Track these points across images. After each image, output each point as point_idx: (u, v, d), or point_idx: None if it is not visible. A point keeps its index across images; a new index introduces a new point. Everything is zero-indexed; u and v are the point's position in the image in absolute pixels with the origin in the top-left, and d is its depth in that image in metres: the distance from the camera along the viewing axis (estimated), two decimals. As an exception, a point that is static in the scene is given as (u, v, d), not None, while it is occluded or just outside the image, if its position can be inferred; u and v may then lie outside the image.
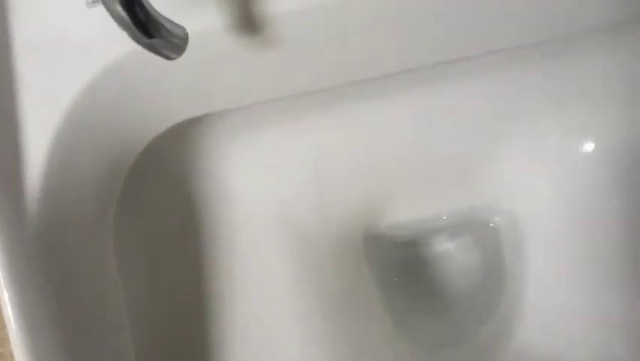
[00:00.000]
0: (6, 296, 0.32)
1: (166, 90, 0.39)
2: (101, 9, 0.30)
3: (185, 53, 0.31)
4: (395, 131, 0.50)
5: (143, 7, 0.28)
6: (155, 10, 0.29)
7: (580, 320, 0.50)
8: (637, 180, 0.49)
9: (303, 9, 0.35)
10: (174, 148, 0.44)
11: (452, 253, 0.56)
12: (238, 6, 0.35)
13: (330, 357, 0.47)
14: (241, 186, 0.49)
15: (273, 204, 0.50)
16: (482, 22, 0.39)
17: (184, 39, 0.31)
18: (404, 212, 0.54)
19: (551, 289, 0.52)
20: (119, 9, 0.27)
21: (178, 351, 0.45)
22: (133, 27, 0.28)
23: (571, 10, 0.40)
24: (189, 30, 0.31)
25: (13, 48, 0.36)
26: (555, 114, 0.49)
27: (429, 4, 0.37)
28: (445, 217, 0.54)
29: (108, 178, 0.39)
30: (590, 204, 0.50)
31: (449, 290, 0.56)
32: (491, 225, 0.54)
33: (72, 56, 0.35)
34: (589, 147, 0.50)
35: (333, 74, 0.40)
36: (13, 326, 0.32)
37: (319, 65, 0.39)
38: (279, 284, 0.49)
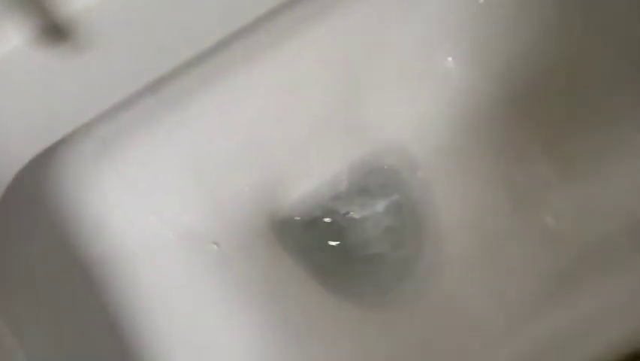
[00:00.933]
0: None
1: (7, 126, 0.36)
2: None
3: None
4: (263, 104, 0.49)
5: None
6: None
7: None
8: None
9: None
10: (41, 181, 0.42)
11: (362, 213, 0.55)
12: (34, 16, 0.33)
13: (269, 338, 0.46)
14: (122, 211, 0.47)
15: (164, 222, 0.48)
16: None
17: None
18: (302, 185, 0.53)
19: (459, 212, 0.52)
20: None
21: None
22: None
23: None
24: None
25: None
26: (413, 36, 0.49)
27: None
28: (343, 178, 0.53)
29: None
30: (474, 110, 0.50)
31: (369, 251, 0.55)
32: (386, 167, 0.53)
33: None
34: (448, 62, 0.50)
35: (168, 55, 0.39)
36: None
37: (148, 51, 0.38)
38: (198, 295, 0.47)
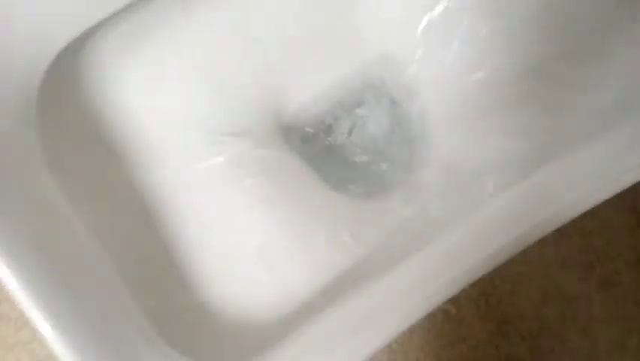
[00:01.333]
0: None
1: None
2: None
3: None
4: (268, 17, 0.55)
5: None
6: None
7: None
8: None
9: None
10: (78, 62, 0.47)
11: (361, 117, 0.61)
12: None
13: (281, 218, 0.52)
14: (144, 101, 0.52)
15: (184, 117, 0.53)
16: None
17: None
18: (305, 92, 0.58)
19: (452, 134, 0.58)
20: None
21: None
22: None
23: None
24: None
25: None
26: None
27: None
28: (342, 85, 0.59)
29: (23, 91, 0.41)
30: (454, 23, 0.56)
31: (367, 149, 0.61)
32: (380, 78, 0.59)
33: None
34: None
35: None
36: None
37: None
38: (215, 184, 0.53)
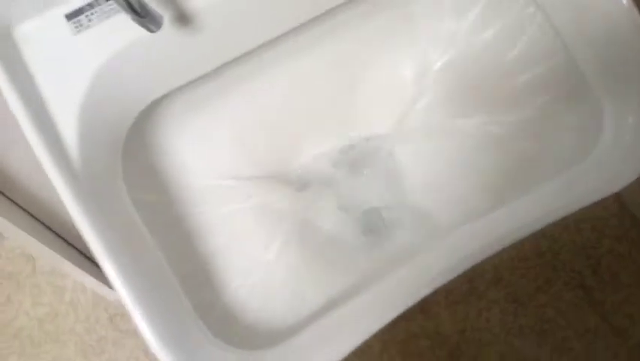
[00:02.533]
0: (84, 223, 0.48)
1: (131, 79, 0.58)
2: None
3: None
4: (288, 92, 0.72)
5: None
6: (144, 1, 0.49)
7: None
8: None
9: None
10: (151, 121, 0.63)
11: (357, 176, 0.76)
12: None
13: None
14: (197, 156, 0.68)
15: (219, 164, 0.69)
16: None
17: (161, 19, 0.51)
18: (310, 150, 0.74)
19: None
20: (123, 2, 0.47)
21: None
22: (130, 10, 0.48)
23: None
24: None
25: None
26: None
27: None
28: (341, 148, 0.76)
29: (112, 141, 0.57)
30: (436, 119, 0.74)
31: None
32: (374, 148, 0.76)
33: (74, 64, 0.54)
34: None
35: (243, 45, 0.62)
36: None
37: (231, 43, 0.61)
38: (244, 217, 0.68)
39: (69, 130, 0.52)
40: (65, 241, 0.96)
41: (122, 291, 0.48)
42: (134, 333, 1.17)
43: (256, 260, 0.66)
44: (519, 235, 0.54)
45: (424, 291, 0.54)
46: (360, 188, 0.73)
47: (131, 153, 0.60)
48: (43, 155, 0.48)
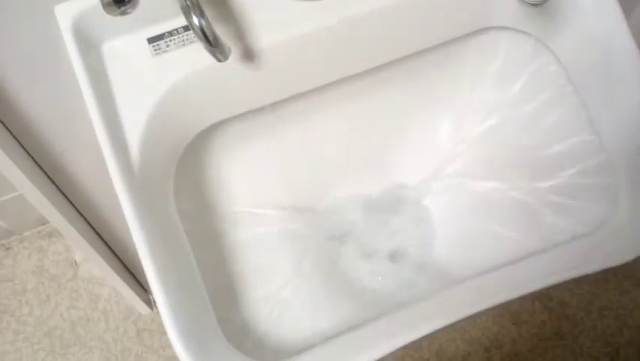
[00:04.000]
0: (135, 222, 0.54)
1: (195, 101, 0.64)
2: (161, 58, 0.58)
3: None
4: (329, 136, 0.77)
5: (210, 30, 0.55)
6: (216, 32, 0.56)
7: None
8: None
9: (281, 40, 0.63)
10: (203, 145, 0.70)
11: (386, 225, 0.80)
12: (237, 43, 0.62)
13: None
14: (237, 185, 0.74)
15: (257, 191, 0.75)
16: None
17: (229, 51, 0.58)
18: (340, 190, 0.80)
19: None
20: (199, 32, 0.54)
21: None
22: (204, 39, 0.54)
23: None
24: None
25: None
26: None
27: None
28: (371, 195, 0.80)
29: (170, 153, 0.63)
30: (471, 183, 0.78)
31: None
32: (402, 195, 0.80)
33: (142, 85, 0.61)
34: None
35: (301, 85, 0.68)
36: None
37: (290, 81, 0.67)
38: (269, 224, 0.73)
39: (134, 136, 0.58)
40: (112, 250, 1.03)
41: (154, 285, 0.53)
42: (158, 350, 1.21)
43: (280, 283, 0.70)
44: (521, 291, 0.56)
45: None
46: (386, 231, 0.77)
47: (184, 168, 0.66)
48: (108, 152, 0.55)
